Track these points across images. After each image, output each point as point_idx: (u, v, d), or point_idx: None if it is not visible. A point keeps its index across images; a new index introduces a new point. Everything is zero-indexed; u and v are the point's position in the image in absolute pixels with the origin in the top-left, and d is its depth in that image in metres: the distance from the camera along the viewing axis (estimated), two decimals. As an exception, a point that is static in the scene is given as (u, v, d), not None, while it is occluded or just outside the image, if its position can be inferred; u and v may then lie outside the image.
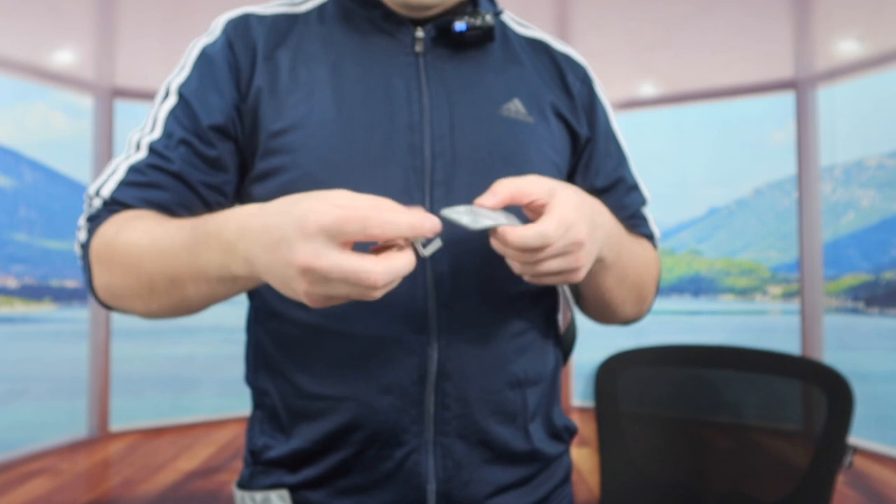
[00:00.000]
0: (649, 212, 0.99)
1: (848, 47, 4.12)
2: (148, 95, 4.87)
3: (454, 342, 0.78)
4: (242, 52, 0.83)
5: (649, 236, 0.98)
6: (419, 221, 0.58)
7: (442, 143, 0.80)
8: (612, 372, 1.32)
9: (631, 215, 0.95)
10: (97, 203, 0.81)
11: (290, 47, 0.84)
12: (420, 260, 0.74)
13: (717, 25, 3.88)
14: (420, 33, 0.83)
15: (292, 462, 0.83)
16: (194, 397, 8.66)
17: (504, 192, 0.68)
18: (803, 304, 4.47)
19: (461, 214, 0.65)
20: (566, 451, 0.94)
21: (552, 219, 0.66)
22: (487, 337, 0.80)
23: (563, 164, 0.89)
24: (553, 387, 0.91)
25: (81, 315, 5.28)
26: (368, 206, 0.58)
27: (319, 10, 0.88)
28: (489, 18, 0.84)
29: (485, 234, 0.69)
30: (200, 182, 0.81)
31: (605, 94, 0.96)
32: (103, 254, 0.77)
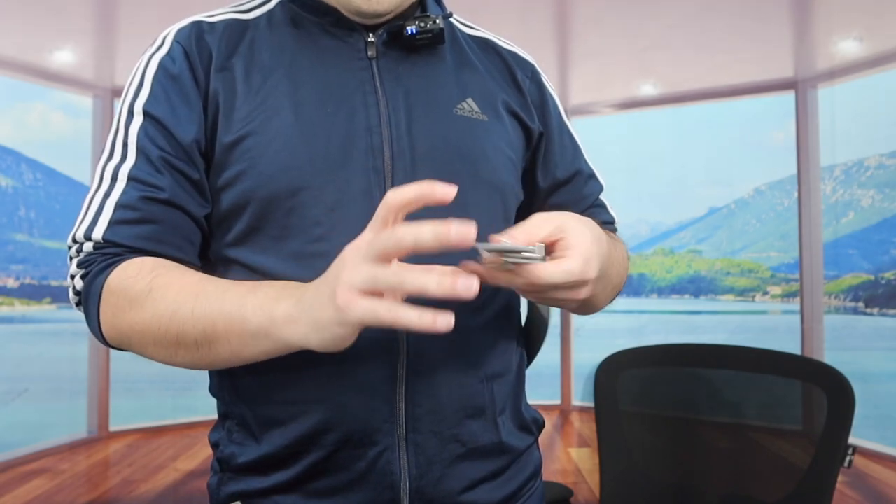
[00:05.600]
0: (605, 198, 1.03)
1: (848, 47, 4.12)
2: (148, 95, 4.87)
3: (423, 339, 0.78)
4: (198, 63, 0.82)
5: (610, 222, 1.02)
6: (446, 229, 0.56)
7: (401, 144, 0.81)
8: (612, 372, 1.32)
9: (592, 204, 1.00)
10: (88, 247, 0.77)
11: (243, 55, 0.83)
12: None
13: (717, 26, 3.88)
14: (372, 38, 0.85)
15: (263, 467, 0.82)
16: (194, 397, 8.65)
17: (520, 237, 0.70)
18: (803, 304, 4.47)
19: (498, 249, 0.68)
20: (534, 444, 0.95)
21: (577, 259, 0.69)
22: (455, 333, 0.79)
23: (518, 160, 0.91)
24: (519, 379, 0.92)
25: (81, 315, 5.24)
26: (399, 227, 0.59)
27: (268, 15, 0.88)
28: (439, 22, 0.85)
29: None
30: (195, 207, 0.80)
31: (553, 88, 0.99)
32: (130, 298, 0.73)
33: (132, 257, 0.76)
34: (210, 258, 0.86)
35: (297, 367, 0.78)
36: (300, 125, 0.80)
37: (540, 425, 0.96)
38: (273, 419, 0.81)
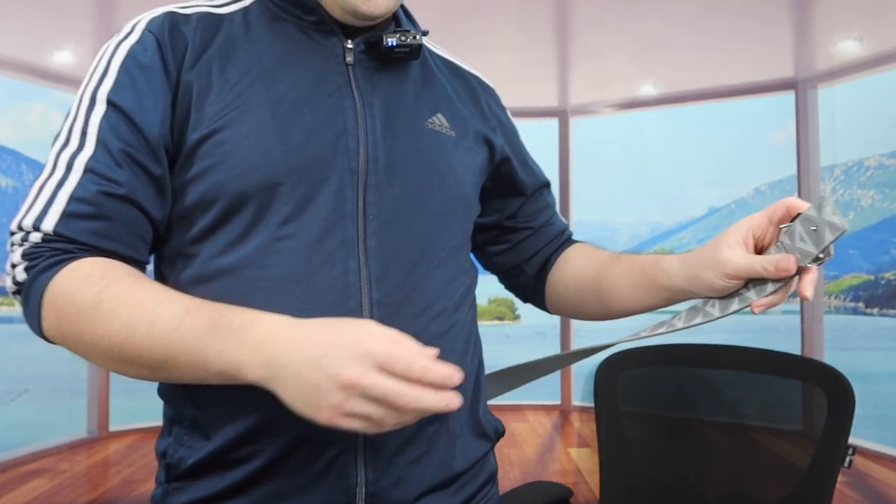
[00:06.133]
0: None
1: (848, 47, 4.12)
2: (148, 95, 4.87)
3: None
4: (171, 54, 0.80)
5: (569, 235, 1.09)
6: (449, 374, 0.63)
7: (376, 149, 0.83)
8: (612, 372, 1.32)
9: (553, 210, 1.08)
10: (35, 238, 0.73)
11: (218, 50, 0.82)
12: (356, 261, 0.79)
13: (717, 26, 3.88)
14: (350, 44, 0.86)
15: (211, 468, 0.79)
16: (194, 397, 8.62)
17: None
18: (803, 304, 4.47)
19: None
20: (490, 452, 0.95)
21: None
22: (417, 335, 0.77)
23: (479, 177, 0.95)
24: (477, 386, 0.92)
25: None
26: (415, 353, 0.63)
27: (244, 12, 0.87)
28: (418, 38, 0.87)
29: (413, 240, 0.83)
30: (153, 205, 0.78)
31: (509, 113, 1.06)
32: (78, 305, 0.70)
33: (82, 257, 0.73)
34: (165, 254, 0.83)
35: None
36: (275, 122, 0.79)
37: (499, 433, 0.96)
38: (223, 414, 0.78)
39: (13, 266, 0.75)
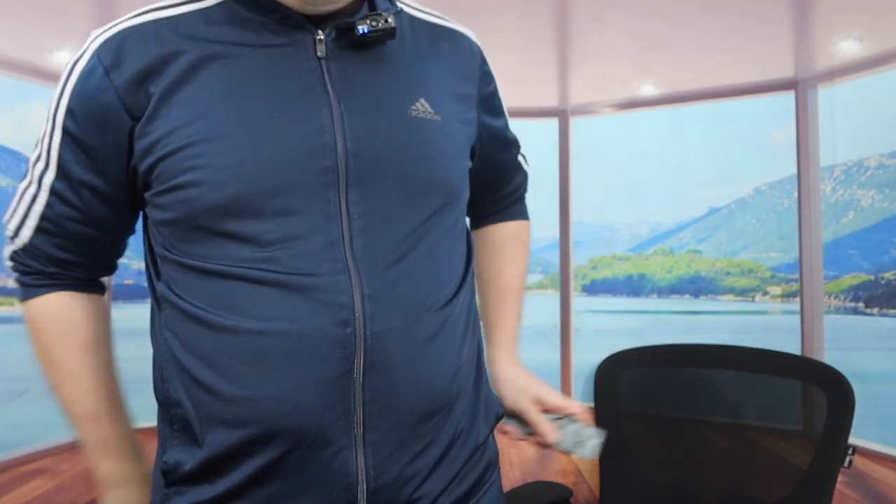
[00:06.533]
0: (522, 156, 1.13)
1: (848, 47, 4.12)
2: (148, 95, 4.86)
3: (379, 333, 0.77)
4: (121, 78, 0.80)
5: (523, 180, 1.13)
6: None
7: (355, 145, 0.80)
8: (612, 372, 1.32)
9: (512, 169, 1.10)
10: (19, 243, 0.87)
11: (179, 62, 0.80)
12: (343, 262, 0.79)
13: (717, 26, 3.88)
14: (321, 35, 0.82)
15: (208, 472, 0.79)
16: (194, 397, 8.62)
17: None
18: (803, 304, 4.47)
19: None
20: (490, 436, 0.95)
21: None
22: (412, 326, 0.80)
23: (467, 158, 0.94)
24: (479, 369, 0.93)
25: (81, 315, 5.24)
26: None
27: (204, 15, 0.83)
28: (391, 21, 0.83)
29: (402, 234, 0.83)
30: (114, 221, 0.87)
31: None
32: (40, 343, 0.91)
33: (46, 293, 0.89)
34: (154, 246, 0.85)
35: (245, 363, 0.76)
36: (247, 131, 0.78)
37: (499, 416, 0.97)
38: (218, 419, 0.78)
39: (10, 258, 0.90)
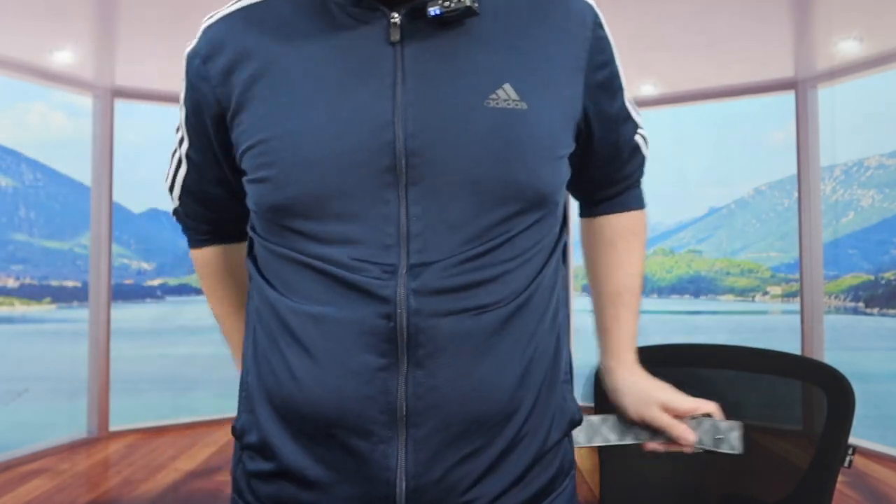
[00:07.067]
0: (642, 136, 0.98)
1: (848, 47, 4.12)
2: (148, 95, 4.87)
3: (424, 329, 0.76)
4: (214, 72, 0.84)
5: (640, 166, 1.00)
6: None
7: (417, 141, 0.76)
8: (612, 372, 1.32)
9: (629, 151, 0.97)
10: (174, 202, 1.00)
11: (258, 55, 0.81)
12: (397, 260, 0.77)
13: (717, 25, 3.88)
14: (395, 18, 0.78)
15: (263, 449, 0.83)
16: (194, 397, 8.65)
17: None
18: (803, 304, 4.47)
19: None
20: (565, 440, 0.89)
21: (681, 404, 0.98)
22: (464, 329, 0.78)
23: (562, 144, 0.84)
24: (554, 375, 0.86)
25: (81, 315, 5.26)
26: None
27: (281, 1, 0.84)
28: (465, 0, 0.76)
29: (465, 238, 0.78)
30: (229, 192, 0.93)
31: (609, 32, 0.91)
32: (202, 282, 1.06)
33: (203, 246, 1.04)
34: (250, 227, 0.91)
35: (301, 342, 0.79)
36: (311, 130, 0.78)
37: (575, 422, 0.91)
38: (270, 393, 0.82)
39: (172, 213, 1.03)
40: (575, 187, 0.96)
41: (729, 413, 0.97)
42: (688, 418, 0.96)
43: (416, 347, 0.76)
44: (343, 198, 0.77)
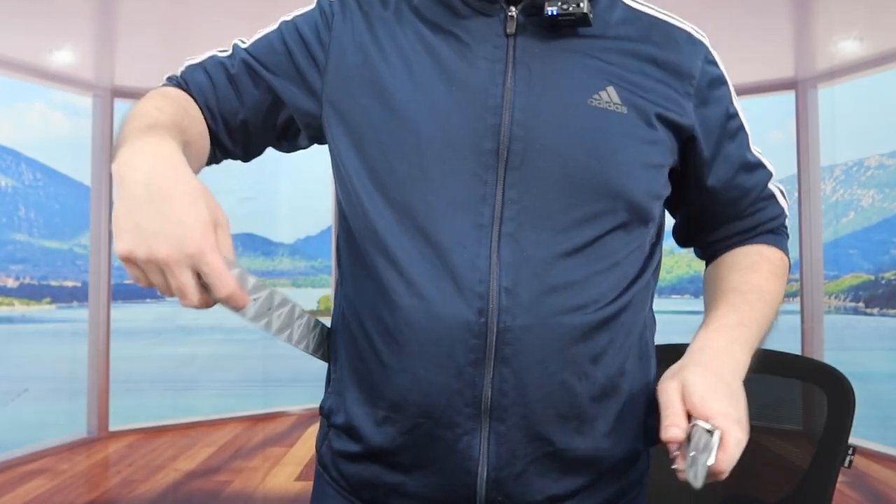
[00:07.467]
0: (775, 185, 0.95)
1: (848, 47, 4.12)
2: (148, 95, 4.87)
3: (512, 327, 0.78)
4: (337, 22, 0.86)
5: (775, 217, 0.95)
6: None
7: (522, 128, 0.79)
8: (612, 372, 1.32)
9: (756, 198, 0.93)
10: (178, 70, 0.91)
11: (383, 22, 0.85)
12: (487, 246, 0.78)
13: (718, 25, 3.87)
14: (513, 12, 0.82)
15: (350, 431, 0.85)
16: (194, 397, 8.65)
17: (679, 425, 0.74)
18: (803, 304, 4.47)
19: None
20: (641, 455, 0.89)
21: (731, 434, 0.73)
22: (550, 327, 0.79)
23: (659, 159, 0.84)
24: (642, 386, 0.87)
25: (81, 315, 5.26)
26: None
27: None
28: (584, 6, 0.79)
29: (554, 228, 0.78)
30: (251, 102, 0.88)
31: (725, 70, 0.91)
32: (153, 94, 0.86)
33: (182, 89, 0.89)
34: (339, 195, 0.89)
35: (387, 331, 0.80)
36: (423, 101, 0.80)
37: (653, 442, 0.88)
38: (359, 377, 0.84)
39: (167, 76, 0.92)
40: (694, 234, 0.98)
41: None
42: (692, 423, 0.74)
43: (504, 345, 0.78)
44: (446, 171, 0.79)
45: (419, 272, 0.79)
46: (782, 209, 0.96)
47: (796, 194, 4.61)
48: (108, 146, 4.71)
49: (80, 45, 4.21)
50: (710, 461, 0.69)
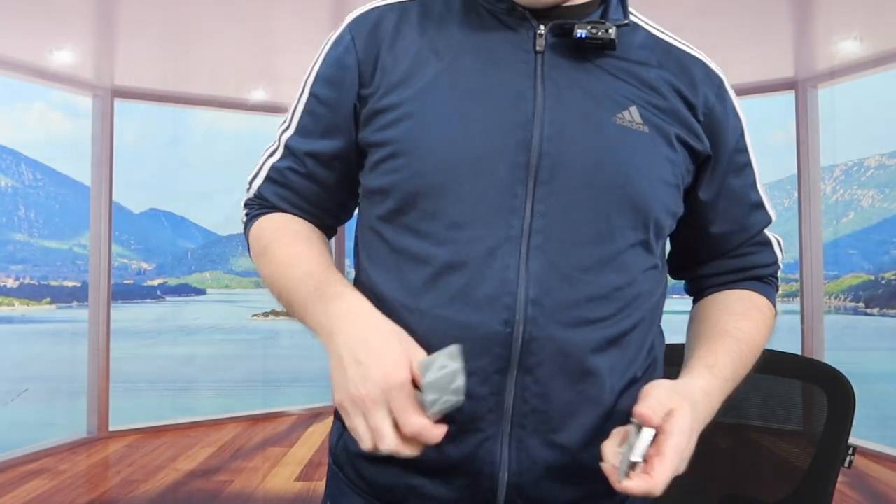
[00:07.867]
0: (774, 235, 0.97)
1: (848, 47, 4.12)
2: (147, 95, 4.87)
3: (537, 338, 0.79)
4: (364, 51, 0.87)
5: (768, 264, 0.97)
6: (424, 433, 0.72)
7: (551, 143, 0.81)
8: (612, 372, 1.32)
9: (751, 238, 0.95)
10: (251, 193, 0.95)
11: (410, 37, 0.86)
12: (517, 258, 0.80)
13: (717, 25, 3.88)
14: (542, 30, 0.84)
15: None
16: (194, 397, 8.65)
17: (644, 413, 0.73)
18: (803, 304, 4.47)
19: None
20: None
21: (665, 468, 0.72)
22: (572, 337, 0.80)
23: (676, 180, 0.87)
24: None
25: (81, 315, 5.26)
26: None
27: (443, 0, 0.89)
28: (612, 32, 0.82)
29: (580, 241, 0.80)
30: (330, 179, 0.92)
31: (739, 105, 0.94)
32: (258, 250, 0.93)
33: (271, 213, 0.94)
34: (362, 223, 0.91)
35: (426, 340, 0.79)
36: (454, 114, 0.82)
37: None
38: None
39: (243, 204, 0.97)
40: (686, 264, 0.99)
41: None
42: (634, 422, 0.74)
43: (528, 355, 0.79)
44: (478, 184, 0.80)
45: (448, 281, 0.80)
46: (776, 259, 0.98)
47: (796, 194, 4.61)
48: (107, 146, 4.72)
49: (80, 45, 4.21)
50: (634, 457, 0.71)
